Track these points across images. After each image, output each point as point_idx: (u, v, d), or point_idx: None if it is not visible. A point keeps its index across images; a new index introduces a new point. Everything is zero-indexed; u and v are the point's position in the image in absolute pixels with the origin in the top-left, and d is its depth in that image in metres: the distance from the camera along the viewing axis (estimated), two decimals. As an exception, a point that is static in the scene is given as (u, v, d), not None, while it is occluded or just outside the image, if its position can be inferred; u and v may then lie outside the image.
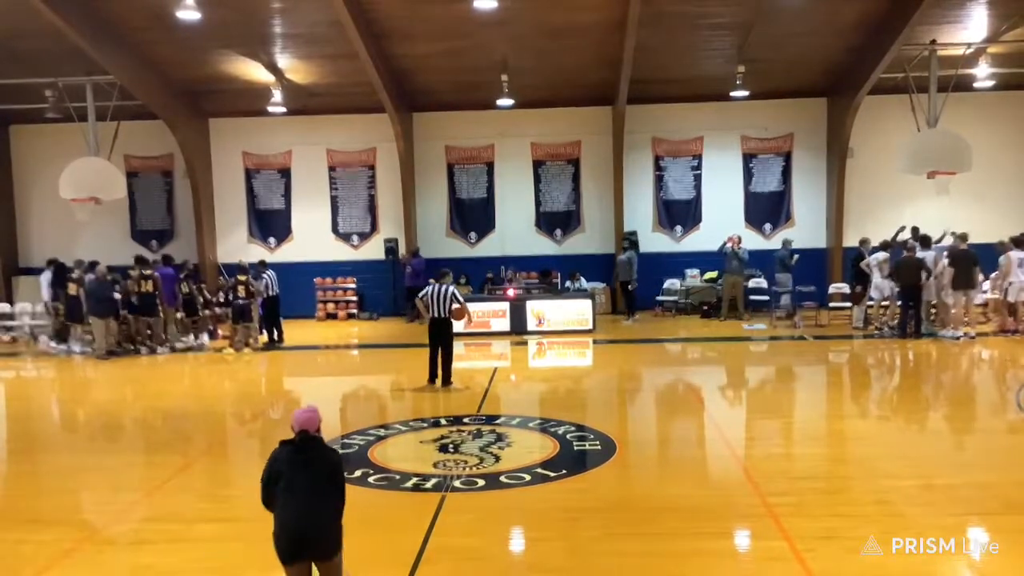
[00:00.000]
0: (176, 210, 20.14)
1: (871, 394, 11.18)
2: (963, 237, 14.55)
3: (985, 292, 15.91)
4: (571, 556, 5.49)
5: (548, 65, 17.27)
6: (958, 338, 14.19)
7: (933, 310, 15.16)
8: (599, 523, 6.04)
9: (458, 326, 11.42)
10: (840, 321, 16.68)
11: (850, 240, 17.93)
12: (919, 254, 14.74)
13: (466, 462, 7.56)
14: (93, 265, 15.42)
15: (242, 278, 15.43)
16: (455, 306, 11.01)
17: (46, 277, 16.80)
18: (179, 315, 16.33)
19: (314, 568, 4.23)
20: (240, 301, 15.31)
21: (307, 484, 4.21)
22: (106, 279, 14.95)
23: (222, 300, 16.32)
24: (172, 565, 5.52)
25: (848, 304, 16.60)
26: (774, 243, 19.15)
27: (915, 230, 15.61)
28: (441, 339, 11.11)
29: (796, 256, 17.19)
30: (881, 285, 15.29)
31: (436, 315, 11.02)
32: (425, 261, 18.11)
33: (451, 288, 11.06)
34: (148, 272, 15.26)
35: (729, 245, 17.20)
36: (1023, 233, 15.19)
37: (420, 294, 11.27)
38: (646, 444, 8.72)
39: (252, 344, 15.58)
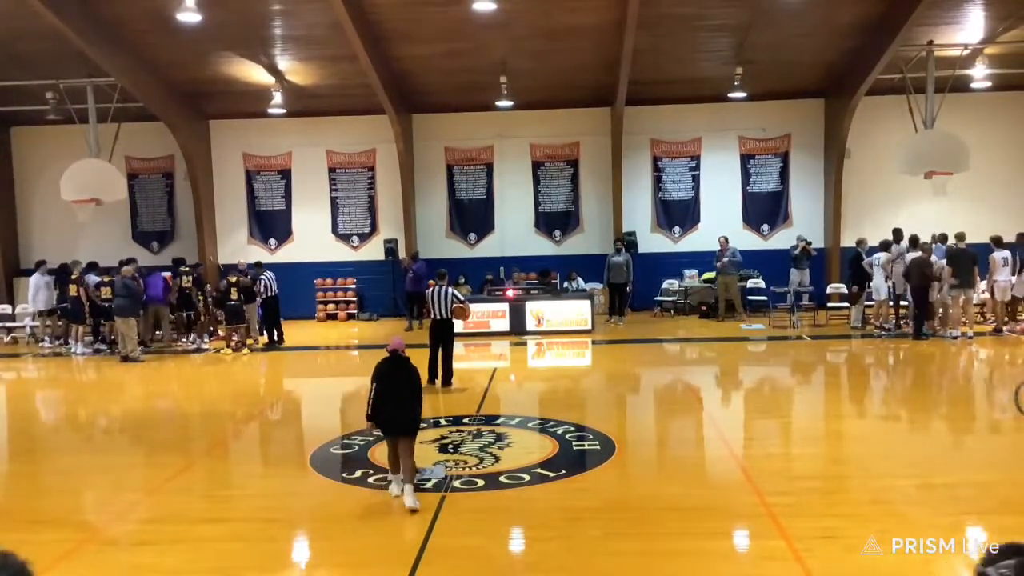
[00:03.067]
0: (177, 211, 20.15)
1: (869, 394, 11.21)
2: (960, 237, 14.59)
3: (983, 292, 15.95)
4: (571, 556, 5.52)
5: (547, 67, 17.29)
6: (956, 338, 14.22)
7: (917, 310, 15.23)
8: (598, 523, 6.07)
9: (458, 326, 11.47)
10: (838, 321, 16.71)
11: (847, 240, 17.96)
12: (909, 255, 14.85)
13: (466, 462, 7.60)
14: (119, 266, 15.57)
15: (232, 280, 15.40)
16: (456, 305, 11.08)
17: (35, 279, 16.72)
18: (179, 315, 16.37)
19: None
20: (231, 303, 15.28)
21: (396, 388, 6.64)
22: (136, 277, 14.98)
23: (211, 302, 16.34)
24: (172, 565, 5.55)
25: (846, 304, 16.64)
26: (772, 243, 19.22)
27: (897, 232, 15.65)
28: (442, 339, 11.17)
29: (800, 245, 17.10)
30: (880, 286, 15.27)
31: (437, 316, 11.07)
32: (426, 264, 18.01)
33: (450, 289, 11.14)
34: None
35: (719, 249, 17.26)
36: (1023, 234, 15.27)
37: (427, 295, 11.32)
38: (645, 444, 8.76)
39: (251, 345, 15.62)
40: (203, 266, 17.85)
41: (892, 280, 15.17)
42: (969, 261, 14.25)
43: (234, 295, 15.23)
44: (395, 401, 6.60)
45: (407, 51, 16.58)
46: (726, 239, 17.40)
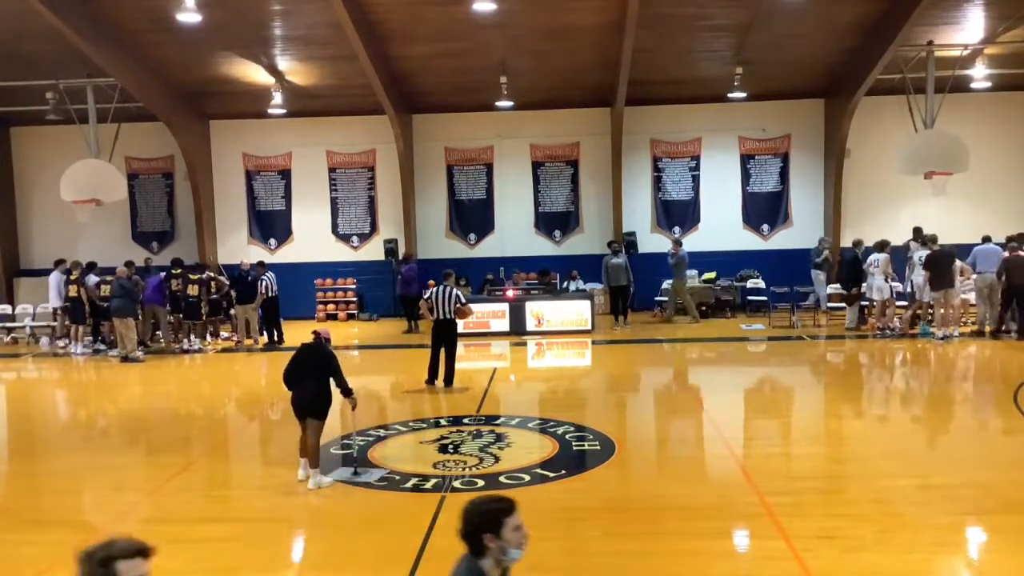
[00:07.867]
0: (177, 212, 20.14)
1: (868, 394, 11.20)
2: (933, 239, 14.59)
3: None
4: (571, 556, 5.52)
5: (547, 67, 17.29)
6: (945, 338, 14.17)
7: (920, 310, 15.25)
8: (598, 523, 6.07)
9: (459, 325, 11.48)
10: (838, 321, 16.70)
11: (847, 241, 17.95)
12: (917, 253, 14.83)
13: (466, 462, 7.60)
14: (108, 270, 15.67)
15: (210, 275, 16.34)
16: (458, 306, 11.09)
17: (55, 277, 16.74)
18: (172, 317, 16.38)
19: None
20: (212, 297, 16.23)
21: (307, 371, 7.15)
22: (133, 277, 15.12)
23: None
24: (172, 565, 5.53)
25: (845, 305, 16.60)
26: (772, 244, 19.23)
27: (917, 230, 15.63)
28: (444, 340, 11.15)
29: (825, 251, 17.27)
30: (882, 287, 15.20)
31: (440, 316, 11.06)
32: (417, 267, 17.80)
33: (455, 290, 11.14)
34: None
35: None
36: (1021, 233, 15.24)
37: (425, 296, 11.30)
38: (645, 444, 8.76)
39: (250, 345, 15.76)
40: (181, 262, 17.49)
41: (911, 279, 15.15)
42: (946, 261, 14.20)
43: (213, 288, 16.15)
44: (303, 382, 7.10)
45: (407, 51, 16.58)
46: (679, 242, 17.47)
